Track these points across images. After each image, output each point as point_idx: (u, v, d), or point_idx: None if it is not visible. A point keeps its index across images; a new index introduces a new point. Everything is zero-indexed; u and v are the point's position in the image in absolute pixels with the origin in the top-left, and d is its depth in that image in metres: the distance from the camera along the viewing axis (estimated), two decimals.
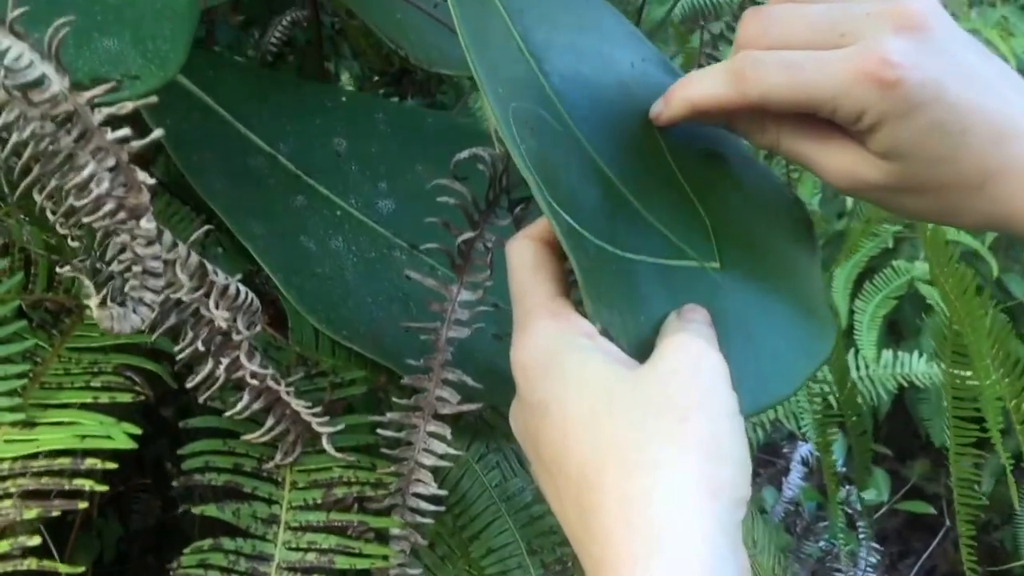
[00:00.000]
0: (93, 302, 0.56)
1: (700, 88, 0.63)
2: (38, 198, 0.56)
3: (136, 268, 0.56)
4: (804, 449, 1.79)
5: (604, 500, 0.51)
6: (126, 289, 0.57)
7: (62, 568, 0.56)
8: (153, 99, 0.55)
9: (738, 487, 0.51)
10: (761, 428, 2.16)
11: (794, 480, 1.81)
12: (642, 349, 0.56)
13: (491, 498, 0.76)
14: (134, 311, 0.56)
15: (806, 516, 1.83)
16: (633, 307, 0.59)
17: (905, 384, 2.16)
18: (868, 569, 1.71)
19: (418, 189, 0.84)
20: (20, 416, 0.61)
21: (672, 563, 0.48)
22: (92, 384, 0.64)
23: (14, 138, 0.52)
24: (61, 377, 0.65)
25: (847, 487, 1.71)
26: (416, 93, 1.23)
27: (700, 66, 1.14)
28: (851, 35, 0.59)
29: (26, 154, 0.52)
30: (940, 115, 0.58)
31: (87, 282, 0.57)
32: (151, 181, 0.55)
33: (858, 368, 2.15)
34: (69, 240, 0.61)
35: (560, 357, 0.55)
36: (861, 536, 1.78)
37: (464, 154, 0.65)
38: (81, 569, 0.56)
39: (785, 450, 1.90)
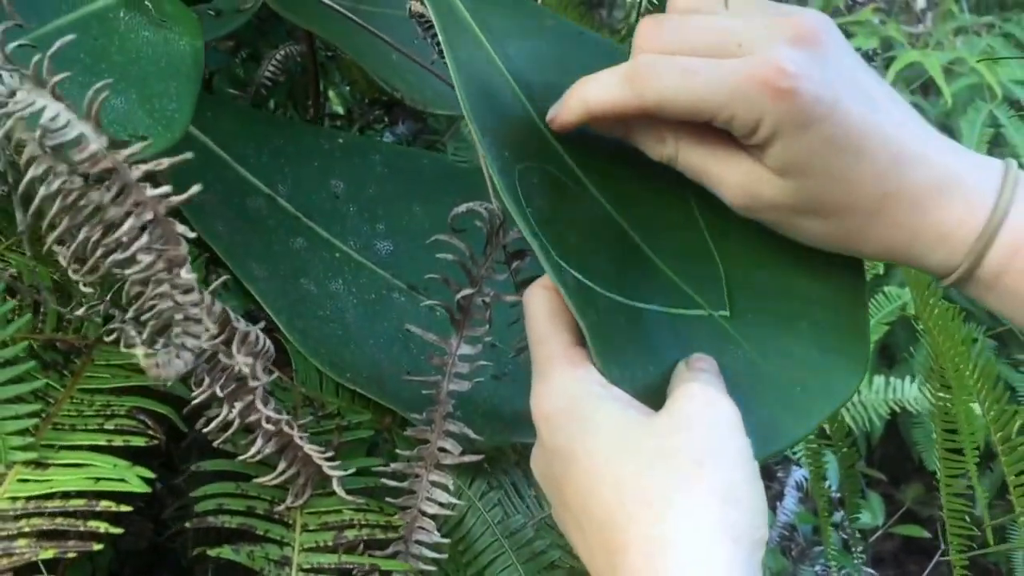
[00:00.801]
0: (140, 351, 0.58)
1: (596, 90, 0.62)
2: (58, 250, 0.59)
3: (178, 316, 0.58)
4: (799, 474, 1.81)
5: (630, 542, 0.54)
6: (171, 336, 0.59)
7: None
8: (189, 155, 0.58)
9: (756, 529, 0.54)
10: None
11: (789, 505, 1.83)
12: (652, 397, 0.59)
13: (494, 535, 0.78)
14: (177, 356, 0.59)
15: (801, 540, 1.85)
16: (642, 357, 0.62)
17: (897, 409, 2.20)
18: None
19: (416, 230, 0.87)
20: (33, 455, 0.63)
21: None
22: (105, 427, 0.66)
23: (41, 191, 0.55)
24: (74, 418, 0.66)
25: (841, 511, 1.73)
26: (407, 119, 1.25)
27: None
28: (748, 45, 0.59)
29: (54, 208, 0.55)
30: (834, 131, 0.58)
31: (131, 332, 0.59)
32: (191, 234, 0.57)
33: None
34: (82, 285, 0.64)
35: (580, 405, 0.58)
36: (856, 561, 1.80)
37: (461, 208, 0.68)
38: None
39: (779, 474, 1.92)
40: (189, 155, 0.57)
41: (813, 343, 0.65)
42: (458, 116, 1.23)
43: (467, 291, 0.69)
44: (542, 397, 0.60)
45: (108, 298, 0.66)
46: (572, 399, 0.59)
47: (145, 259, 0.56)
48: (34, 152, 0.54)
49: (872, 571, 1.76)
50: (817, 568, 1.81)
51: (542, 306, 0.62)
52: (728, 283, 0.66)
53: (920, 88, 2.91)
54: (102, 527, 0.59)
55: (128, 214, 0.56)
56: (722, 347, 0.64)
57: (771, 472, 2.04)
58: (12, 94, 0.55)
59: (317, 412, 0.75)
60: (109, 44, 0.70)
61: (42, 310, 0.72)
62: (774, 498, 1.89)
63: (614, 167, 0.67)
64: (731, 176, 0.62)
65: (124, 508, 0.61)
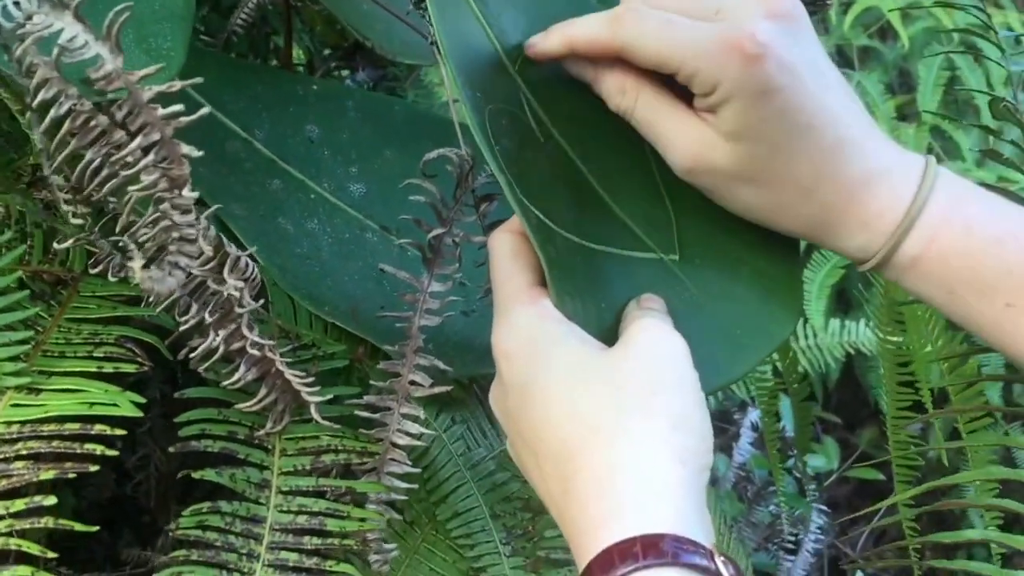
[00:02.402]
0: (137, 264, 0.62)
1: (579, 26, 0.67)
2: (55, 181, 0.63)
3: (174, 235, 0.63)
4: (754, 415, 1.84)
5: (581, 468, 0.58)
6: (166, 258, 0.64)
7: (78, 527, 0.62)
8: (199, 80, 0.63)
9: (702, 455, 0.60)
10: (713, 396, 2.23)
11: (744, 446, 1.88)
12: (604, 334, 0.64)
13: (457, 466, 0.83)
14: (170, 274, 0.63)
15: (756, 482, 1.90)
16: (596, 295, 0.67)
17: (852, 351, 2.26)
18: (817, 531, 1.78)
19: (388, 173, 0.91)
20: (25, 381, 0.67)
21: (640, 521, 0.55)
22: (95, 354, 0.70)
23: (51, 113, 0.59)
24: (63, 346, 0.70)
25: (794, 452, 1.78)
26: (368, 66, 1.28)
27: None
28: (724, 12, 0.63)
29: (63, 129, 0.59)
30: (790, 102, 0.62)
31: (132, 245, 0.63)
32: (196, 153, 0.62)
33: (806, 336, 2.25)
34: (71, 216, 0.68)
35: (538, 341, 0.63)
36: (810, 500, 1.85)
37: (433, 154, 0.72)
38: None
39: (736, 417, 1.97)
40: (199, 80, 0.63)
41: (753, 288, 0.70)
42: (418, 65, 1.27)
43: (438, 231, 0.74)
44: (502, 334, 0.65)
45: (97, 229, 0.70)
46: (530, 335, 0.63)
47: (149, 178, 0.60)
48: (46, 75, 0.58)
49: (825, 508, 1.81)
50: (771, 508, 1.85)
51: (505, 248, 0.67)
52: (678, 229, 0.71)
53: (877, 32, 2.94)
54: (98, 449, 0.64)
55: (136, 134, 0.60)
56: (670, 288, 0.69)
57: (729, 415, 2.10)
58: (29, 17, 0.58)
59: (294, 343, 0.79)
60: None
61: (29, 243, 0.75)
62: (731, 440, 1.94)
63: (577, 115, 0.71)
64: (680, 135, 0.66)
65: (118, 431, 0.65)
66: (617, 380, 0.60)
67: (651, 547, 0.54)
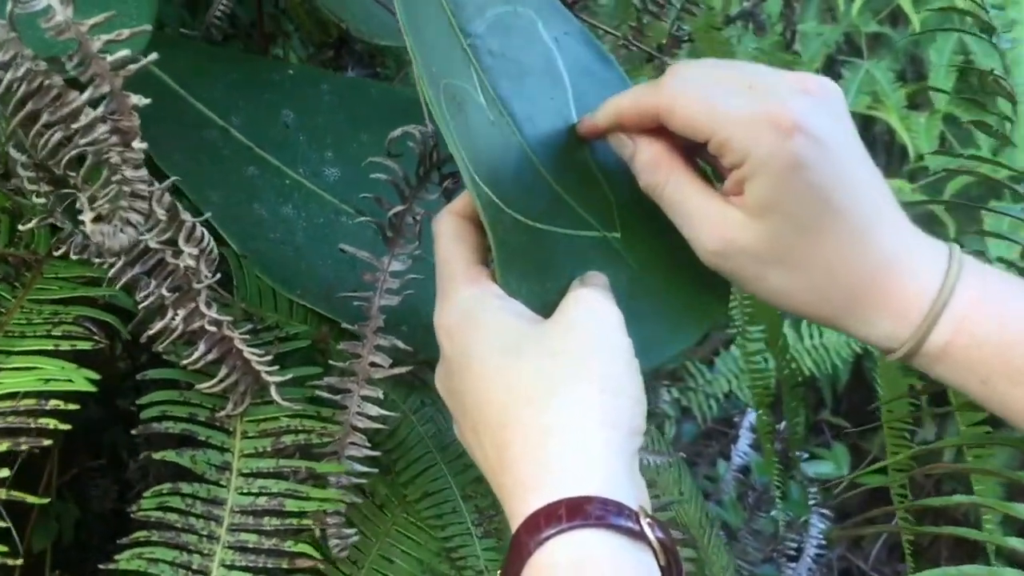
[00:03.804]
0: (87, 217, 0.63)
1: (626, 94, 0.68)
2: (14, 155, 0.64)
3: (125, 189, 0.63)
4: (752, 416, 1.85)
5: (514, 435, 0.60)
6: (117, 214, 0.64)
7: (30, 498, 0.63)
8: (148, 27, 0.64)
9: (634, 418, 0.61)
10: (715, 400, 2.24)
11: (743, 447, 1.88)
12: (547, 311, 0.66)
13: (427, 447, 0.84)
14: (122, 231, 0.63)
15: (757, 486, 1.89)
16: (540, 273, 0.68)
17: (860, 352, 2.24)
18: (818, 536, 1.77)
19: (363, 157, 0.90)
20: None
21: (568, 484, 0.56)
22: (53, 333, 0.70)
23: (8, 76, 0.59)
24: (23, 326, 0.71)
25: (795, 455, 1.77)
26: (356, 65, 1.28)
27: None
28: (760, 88, 0.64)
29: (20, 91, 0.59)
30: (819, 178, 0.62)
31: (83, 198, 0.64)
32: (144, 102, 0.62)
33: (811, 336, 2.24)
34: (34, 197, 0.68)
35: (476, 316, 0.65)
36: (811, 504, 1.84)
37: (396, 132, 0.73)
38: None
39: (736, 419, 1.97)
40: (148, 27, 0.64)
41: (692, 268, 0.70)
42: (407, 62, 1.27)
43: (397, 208, 0.74)
44: (443, 312, 0.67)
45: (60, 209, 0.70)
46: (469, 310, 0.65)
47: (99, 130, 0.61)
48: (3, 37, 0.58)
49: (827, 512, 1.80)
50: (773, 513, 1.85)
51: (448, 229, 0.69)
52: (618, 208, 0.72)
53: (888, 17, 2.91)
54: (51, 423, 0.64)
55: (86, 86, 0.60)
56: (613, 266, 0.70)
57: (731, 420, 2.09)
58: None
59: (256, 325, 0.79)
60: None
61: None
62: (731, 443, 1.94)
63: (525, 96, 0.72)
64: (708, 217, 0.65)
65: (71, 406, 0.65)
66: (550, 348, 0.62)
67: (577, 510, 0.55)
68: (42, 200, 0.69)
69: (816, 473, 2.09)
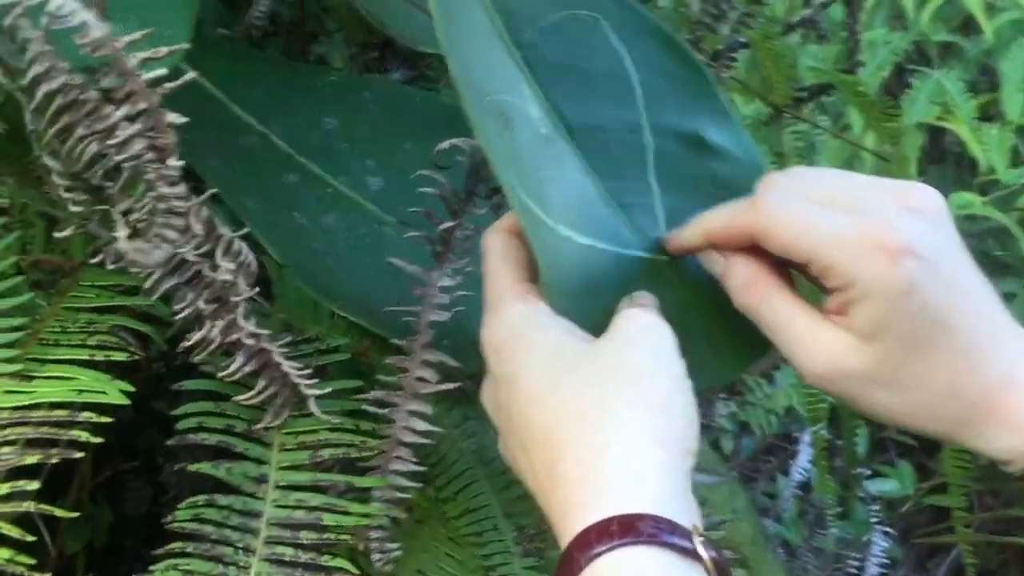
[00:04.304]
0: (122, 234, 0.62)
1: (717, 213, 0.66)
2: (51, 164, 0.63)
3: (161, 206, 0.62)
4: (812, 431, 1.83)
5: (566, 453, 0.59)
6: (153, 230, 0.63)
7: (58, 512, 0.62)
8: (186, 45, 0.63)
9: (686, 439, 0.59)
10: (775, 415, 2.21)
11: (802, 463, 1.86)
12: (595, 331, 0.64)
13: (469, 463, 0.82)
14: (157, 248, 0.63)
15: (817, 504, 1.87)
16: (587, 292, 0.67)
17: None
18: (881, 555, 1.75)
19: (406, 166, 0.89)
20: (18, 368, 0.67)
21: (620, 502, 0.55)
22: (88, 342, 0.69)
23: (43, 88, 0.59)
24: (58, 334, 0.70)
25: (859, 470, 1.75)
26: (400, 66, 1.27)
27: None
28: (862, 205, 0.61)
29: (55, 103, 0.59)
30: (930, 300, 0.59)
31: (116, 213, 0.63)
32: (180, 120, 0.61)
33: None
34: (71, 205, 0.68)
35: (526, 333, 0.64)
36: (872, 522, 1.82)
37: (445, 145, 0.72)
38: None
39: (796, 435, 1.95)
40: (185, 45, 0.63)
41: None
42: None
43: (447, 224, 0.73)
44: (491, 328, 0.66)
45: (96, 217, 0.69)
46: (517, 327, 0.64)
47: (135, 147, 0.60)
48: (39, 50, 0.58)
49: (889, 531, 1.77)
50: (834, 531, 1.82)
51: (497, 245, 0.68)
52: (669, 229, 0.70)
53: (959, 26, 2.86)
54: (83, 436, 0.64)
55: (123, 102, 0.60)
56: (661, 288, 0.68)
57: (791, 437, 2.07)
58: None
59: (296, 337, 0.79)
60: None
61: (31, 232, 0.76)
62: (790, 458, 1.91)
63: (580, 105, 0.71)
64: (812, 341, 0.63)
65: (104, 419, 0.65)
66: (603, 367, 0.61)
67: (629, 527, 0.54)
68: (78, 208, 0.69)
69: (879, 491, 2.05)
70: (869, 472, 1.91)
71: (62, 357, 0.69)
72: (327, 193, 0.88)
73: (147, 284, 0.66)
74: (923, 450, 2.48)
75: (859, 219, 0.60)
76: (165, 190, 0.62)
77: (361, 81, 1.05)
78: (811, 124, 1.41)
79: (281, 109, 0.92)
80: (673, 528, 0.54)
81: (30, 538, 0.60)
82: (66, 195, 0.68)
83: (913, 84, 2.61)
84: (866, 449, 1.93)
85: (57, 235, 0.72)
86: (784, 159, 1.32)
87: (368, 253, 0.86)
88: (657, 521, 0.54)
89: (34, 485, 0.61)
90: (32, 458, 0.62)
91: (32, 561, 0.60)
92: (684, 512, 0.56)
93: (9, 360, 0.68)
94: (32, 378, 0.67)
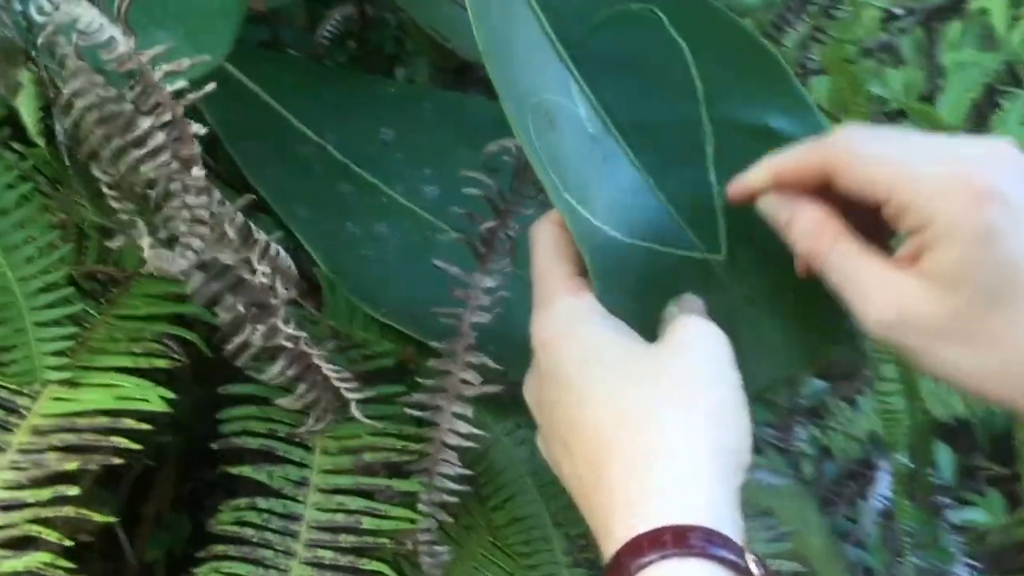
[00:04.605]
0: (145, 243, 0.63)
1: (787, 152, 0.64)
2: (96, 171, 0.64)
3: (185, 215, 0.63)
4: (896, 458, 1.79)
5: (615, 456, 0.57)
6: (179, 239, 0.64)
7: (97, 516, 0.63)
8: (207, 57, 0.65)
9: (740, 452, 0.58)
10: (857, 440, 2.17)
11: (883, 490, 1.82)
12: (645, 332, 0.63)
13: (519, 471, 0.82)
14: (182, 256, 0.64)
15: (896, 529, 1.83)
16: (637, 290, 0.66)
17: None
18: None
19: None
20: (67, 375, 0.69)
21: (672, 510, 0.54)
22: (133, 349, 0.71)
23: (80, 103, 0.60)
24: (106, 342, 0.72)
25: (941, 498, 1.71)
26: (477, 86, 1.28)
27: None
28: (946, 148, 0.59)
29: (92, 117, 0.61)
30: (1016, 250, 0.56)
31: (140, 224, 0.65)
32: (203, 131, 0.63)
33: None
34: (121, 215, 0.69)
35: (578, 331, 0.63)
36: (957, 551, 1.77)
37: (492, 146, 0.72)
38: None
39: (876, 460, 1.91)
40: (207, 57, 0.65)
41: (798, 297, 0.67)
42: None
43: (489, 224, 0.72)
44: (541, 324, 0.64)
45: (143, 226, 0.71)
46: (569, 324, 0.63)
47: (162, 157, 0.62)
48: (75, 66, 0.60)
49: (974, 563, 1.73)
50: (914, 560, 1.78)
51: (547, 238, 0.67)
52: (729, 230, 0.68)
53: None
54: (123, 443, 0.65)
55: (149, 113, 0.61)
56: (711, 290, 0.67)
57: (871, 463, 2.03)
58: (57, 7, 0.60)
59: (343, 344, 0.79)
60: None
61: (85, 244, 0.77)
62: (869, 484, 1.88)
63: (632, 103, 0.70)
64: (881, 286, 0.59)
65: (144, 426, 0.66)
66: (655, 372, 0.59)
67: (681, 537, 0.53)
68: (126, 217, 0.70)
69: (964, 520, 2.00)
70: (954, 500, 1.86)
71: (109, 365, 0.70)
72: (381, 202, 0.89)
73: (189, 289, 0.67)
74: (1014, 477, 2.41)
75: (943, 156, 0.58)
76: (190, 199, 0.63)
77: (421, 92, 1.06)
78: None
79: (338, 120, 0.93)
80: (725, 542, 0.53)
81: (68, 543, 0.61)
82: (116, 205, 0.70)
83: (1004, 105, 2.56)
84: (952, 476, 1.88)
85: (110, 245, 0.74)
86: None
87: (418, 261, 0.86)
88: (709, 534, 0.53)
89: (73, 490, 0.62)
90: (72, 464, 0.63)
91: (71, 565, 0.61)
92: (735, 526, 0.55)
93: (58, 368, 0.69)
94: (79, 385, 0.69)
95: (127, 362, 0.70)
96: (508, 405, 0.83)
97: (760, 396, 0.68)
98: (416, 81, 1.28)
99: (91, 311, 0.74)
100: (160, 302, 0.75)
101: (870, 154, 0.60)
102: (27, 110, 0.70)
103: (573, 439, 0.61)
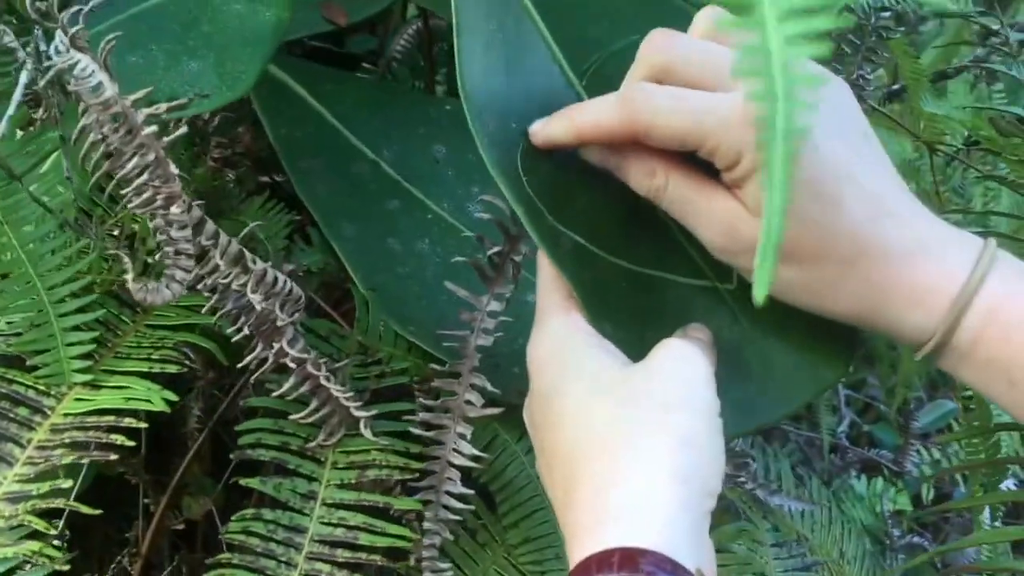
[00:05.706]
0: (129, 276, 0.66)
1: (588, 112, 0.65)
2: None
3: (169, 249, 0.66)
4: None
5: (584, 476, 0.58)
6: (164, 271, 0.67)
7: (84, 509, 0.66)
8: (184, 100, 0.68)
9: (709, 479, 0.58)
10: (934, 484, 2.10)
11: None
12: (640, 359, 0.63)
13: (535, 490, 0.82)
14: (167, 287, 0.66)
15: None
16: (639, 319, 0.66)
17: None
18: None
19: None
20: (90, 378, 0.73)
21: (625, 533, 0.54)
22: (152, 356, 0.74)
23: (91, 138, 0.63)
24: (132, 349, 0.75)
25: None
26: None
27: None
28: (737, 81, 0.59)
29: (99, 152, 0.63)
30: (813, 174, 0.58)
31: (125, 259, 0.67)
32: (176, 172, 0.65)
33: None
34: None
35: (565, 351, 0.64)
36: None
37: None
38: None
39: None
40: (185, 100, 0.68)
41: (808, 331, 0.66)
42: None
43: (496, 248, 0.73)
44: (535, 344, 0.66)
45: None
46: (559, 344, 0.64)
47: (145, 195, 0.64)
48: (86, 103, 0.62)
49: None
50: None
51: (548, 263, 0.67)
52: None
53: None
54: (118, 440, 0.69)
55: (134, 154, 0.63)
56: (721, 319, 0.67)
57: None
58: (68, 50, 0.63)
59: (366, 359, 0.81)
60: (201, 15, 0.79)
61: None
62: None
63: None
64: (713, 213, 0.62)
65: (142, 425, 0.70)
66: (631, 395, 0.60)
67: (630, 560, 0.53)
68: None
69: None
70: None
71: (128, 369, 0.74)
72: (427, 218, 0.90)
73: (203, 309, 0.70)
74: None
75: (735, 95, 0.59)
76: (174, 233, 0.65)
77: None
78: (965, 165, 1.33)
79: (394, 137, 0.95)
80: (675, 569, 0.53)
81: (52, 532, 0.65)
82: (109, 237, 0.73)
83: None
84: None
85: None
86: (939, 200, 1.26)
87: (456, 279, 0.87)
88: (659, 560, 0.53)
89: (67, 483, 0.66)
90: (67, 458, 0.67)
91: (56, 555, 0.64)
92: (693, 553, 0.55)
93: (84, 371, 0.73)
94: (101, 387, 0.73)
95: (144, 367, 0.73)
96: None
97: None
98: None
99: (126, 319, 0.78)
100: (191, 314, 0.78)
101: (666, 111, 0.61)
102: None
103: (554, 458, 0.62)
